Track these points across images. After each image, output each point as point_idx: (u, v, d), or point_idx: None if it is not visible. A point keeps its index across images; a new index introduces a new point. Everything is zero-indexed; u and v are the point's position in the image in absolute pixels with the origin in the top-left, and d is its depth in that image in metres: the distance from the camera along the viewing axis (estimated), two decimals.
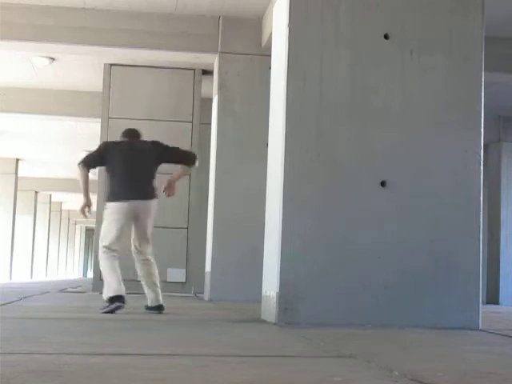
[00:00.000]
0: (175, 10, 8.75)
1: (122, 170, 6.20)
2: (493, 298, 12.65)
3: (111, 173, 6.25)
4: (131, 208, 6.14)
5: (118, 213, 6.14)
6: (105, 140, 9.97)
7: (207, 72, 10.24)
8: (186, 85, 10.39)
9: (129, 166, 6.21)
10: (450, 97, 5.42)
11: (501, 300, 12.59)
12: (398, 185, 5.31)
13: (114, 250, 6.13)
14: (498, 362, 3.39)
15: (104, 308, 5.90)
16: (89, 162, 6.22)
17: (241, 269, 8.45)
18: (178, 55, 9.29)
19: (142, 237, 6.22)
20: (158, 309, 6.06)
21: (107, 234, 6.19)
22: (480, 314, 5.29)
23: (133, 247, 6.24)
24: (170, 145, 6.37)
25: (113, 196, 6.21)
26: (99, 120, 10.54)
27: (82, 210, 6.21)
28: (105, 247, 6.12)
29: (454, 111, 5.41)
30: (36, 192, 24.05)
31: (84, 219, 30.60)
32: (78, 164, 6.19)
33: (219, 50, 8.94)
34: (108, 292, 5.98)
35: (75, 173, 6.27)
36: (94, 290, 10.13)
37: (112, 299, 5.91)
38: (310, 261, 5.15)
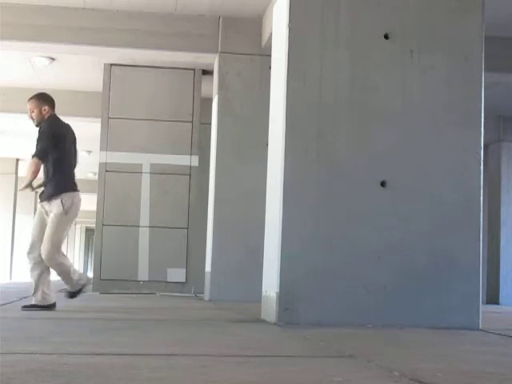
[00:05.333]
0: (175, 10, 8.75)
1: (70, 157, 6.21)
2: (493, 297, 12.65)
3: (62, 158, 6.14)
4: None
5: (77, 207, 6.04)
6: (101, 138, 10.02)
7: (207, 72, 10.24)
8: (185, 85, 10.39)
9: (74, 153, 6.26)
10: (450, 97, 5.42)
11: (501, 300, 12.59)
12: (398, 185, 5.31)
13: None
14: (498, 362, 3.38)
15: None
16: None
17: (241, 269, 8.45)
18: (177, 55, 9.28)
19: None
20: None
21: (62, 236, 5.94)
22: (480, 314, 5.29)
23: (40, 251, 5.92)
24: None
25: (73, 185, 6.13)
26: (99, 120, 10.53)
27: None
28: (58, 254, 5.84)
29: (454, 111, 5.41)
30: (36, 192, 24.00)
31: (84, 219, 29.96)
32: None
33: (219, 50, 8.94)
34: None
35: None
36: (93, 290, 10.13)
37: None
38: (310, 261, 5.15)
